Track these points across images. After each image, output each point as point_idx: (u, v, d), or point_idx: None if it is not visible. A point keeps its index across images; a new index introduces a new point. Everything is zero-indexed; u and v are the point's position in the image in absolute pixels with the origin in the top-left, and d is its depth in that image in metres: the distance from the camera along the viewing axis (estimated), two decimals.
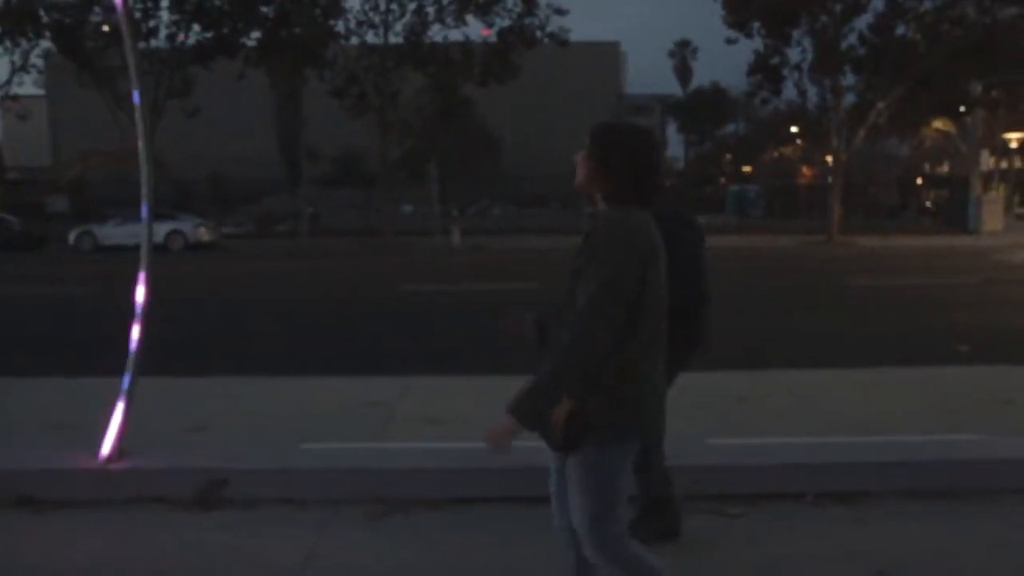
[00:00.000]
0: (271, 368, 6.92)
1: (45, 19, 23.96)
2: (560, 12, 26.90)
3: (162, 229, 26.48)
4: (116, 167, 50.39)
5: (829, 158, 46.35)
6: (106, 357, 6.88)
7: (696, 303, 3.47)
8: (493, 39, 28.09)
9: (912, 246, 25.12)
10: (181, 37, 26.87)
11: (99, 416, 4.55)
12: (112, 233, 26.44)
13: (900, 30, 26.96)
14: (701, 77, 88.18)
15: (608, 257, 2.34)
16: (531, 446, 2.57)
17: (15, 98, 27.73)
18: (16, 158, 56.46)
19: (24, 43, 25.02)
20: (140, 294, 4.62)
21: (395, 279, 15.95)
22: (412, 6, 27.43)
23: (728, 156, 75.15)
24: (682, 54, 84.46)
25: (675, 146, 79.83)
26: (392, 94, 27.37)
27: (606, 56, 77.30)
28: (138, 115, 4.70)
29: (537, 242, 25.47)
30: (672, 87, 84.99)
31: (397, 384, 6.20)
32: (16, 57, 25.34)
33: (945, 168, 60.01)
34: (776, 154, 69.63)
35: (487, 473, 4.15)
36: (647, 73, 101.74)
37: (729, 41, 27.03)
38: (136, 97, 4.71)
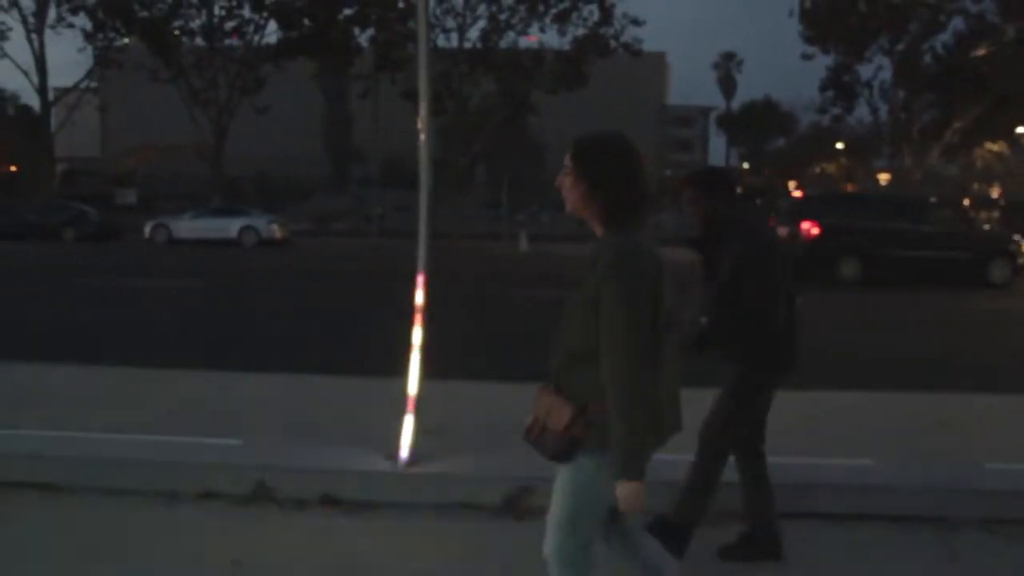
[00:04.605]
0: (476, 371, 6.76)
1: (137, 14, 24.35)
2: (637, 22, 26.93)
3: (235, 225, 26.80)
4: (169, 161, 51.24)
5: (884, 176, 45.98)
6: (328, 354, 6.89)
7: (782, 325, 3.39)
8: (537, 46, 28.15)
9: None
10: (257, 36, 27.13)
11: (365, 416, 4.54)
12: (187, 226, 26.80)
13: (977, 51, 26.66)
14: (744, 90, 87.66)
15: (623, 297, 2.28)
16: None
17: (94, 90, 28.22)
18: (66, 149, 57.37)
19: (115, 37, 25.43)
20: (419, 295, 4.60)
21: (504, 283, 15.97)
22: (486, 12, 27.53)
23: (766, 171, 74.61)
24: (727, 66, 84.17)
25: (720, 159, 79.46)
26: (464, 98, 27.48)
27: (651, 67, 77.05)
28: (423, 110, 4.64)
29: None
30: (713, 99, 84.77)
31: None
32: (97, 51, 25.76)
33: (996, 189, 59.26)
34: (819, 170, 69.15)
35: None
36: (683, 84, 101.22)
37: (805, 56, 26.91)
38: (422, 95, 4.68)
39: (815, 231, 16.66)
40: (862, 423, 5.48)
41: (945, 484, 4.28)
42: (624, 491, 2.33)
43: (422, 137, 4.68)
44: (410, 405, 4.38)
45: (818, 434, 5.14)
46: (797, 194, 21.28)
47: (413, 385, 4.43)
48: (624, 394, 2.28)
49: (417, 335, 4.52)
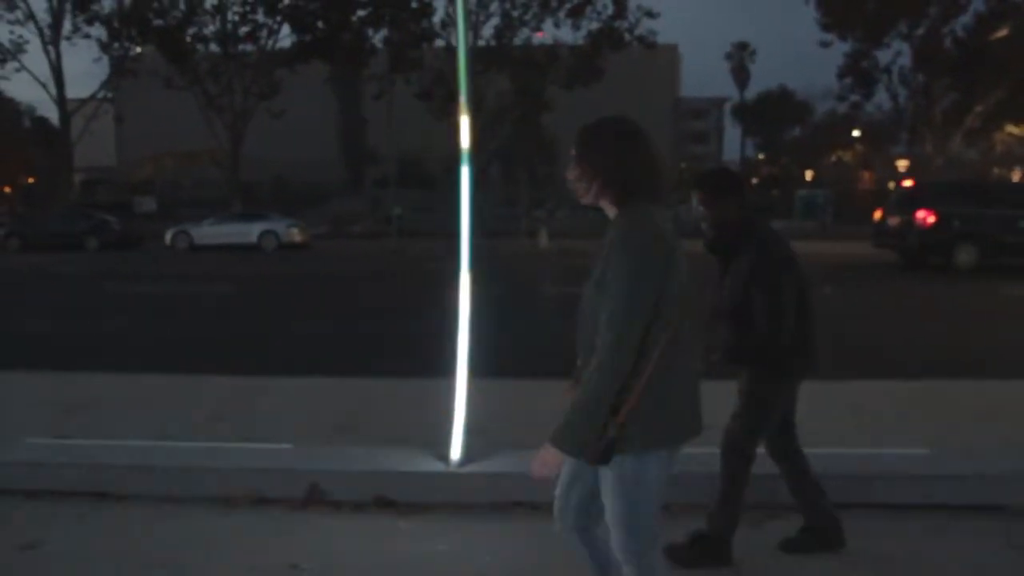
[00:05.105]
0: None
1: (152, 23, 24.52)
2: (651, 15, 26.83)
3: (255, 229, 26.93)
4: (186, 168, 51.58)
5: (903, 163, 45.57)
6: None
7: (793, 336, 3.31)
8: (546, 42, 28.09)
9: None
10: (271, 40, 27.24)
11: (411, 417, 4.52)
12: (207, 233, 26.97)
13: (999, 32, 26.33)
14: (757, 80, 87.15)
15: (625, 273, 2.24)
16: None
17: (110, 100, 28.43)
18: (82, 159, 57.82)
19: (130, 46, 25.63)
20: (463, 297, 4.58)
21: (533, 279, 15.98)
22: (499, 10, 27.49)
23: (782, 160, 74.20)
24: (740, 56, 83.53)
25: (735, 150, 79.08)
26: (479, 97, 27.46)
27: (664, 59, 76.69)
28: (464, 119, 4.64)
29: None
30: (726, 89, 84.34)
31: None
32: (113, 60, 25.96)
33: (1016, 173, 58.61)
34: (834, 159, 68.71)
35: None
36: (696, 75, 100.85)
37: (823, 44, 26.71)
38: (463, 96, 4.65)
39: (931, 219, 16.47)
40: (919, 412, 5.43)
41: (1003, 472, 4.23)
42: (545, 454, 2.32)
43: (464, 139, 4.66)
44: (460, 405, 4.37)
45: (875, 424, 5.11)
46: (908, 183, 21.11)
47: (462, 384, 4.41)
48: (603, 366, 2.25)
49: (463, 335, 4.51)
